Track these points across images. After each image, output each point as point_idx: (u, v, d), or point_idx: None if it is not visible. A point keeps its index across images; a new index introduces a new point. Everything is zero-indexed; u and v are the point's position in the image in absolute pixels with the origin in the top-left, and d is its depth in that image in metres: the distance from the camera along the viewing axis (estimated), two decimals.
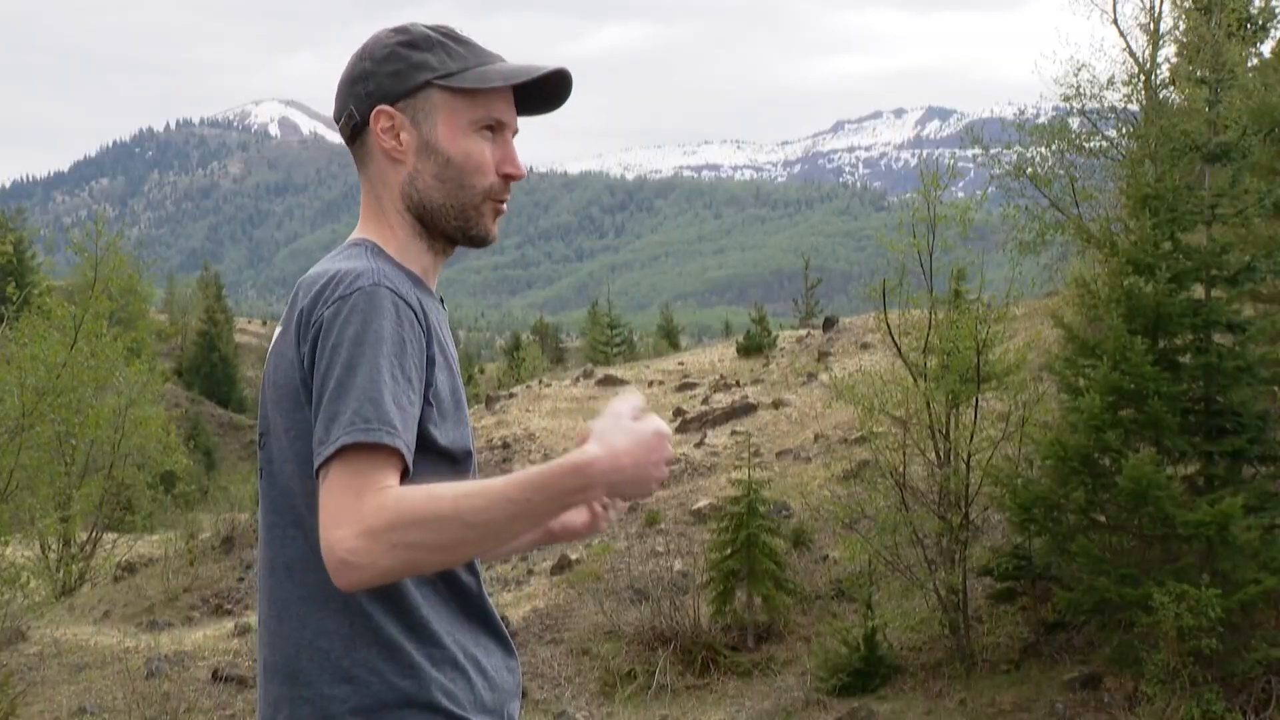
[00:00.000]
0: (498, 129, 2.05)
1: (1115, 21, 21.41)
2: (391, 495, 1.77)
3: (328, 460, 1.79)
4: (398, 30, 2.05)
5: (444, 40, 2.03)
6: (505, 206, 2.08)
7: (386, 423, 1.79)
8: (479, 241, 2.07)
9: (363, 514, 1.76)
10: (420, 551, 1.77)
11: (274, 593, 1.96)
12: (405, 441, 1.82)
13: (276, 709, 1.95)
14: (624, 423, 1.86)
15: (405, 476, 1.83)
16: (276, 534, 1.95)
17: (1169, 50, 21.36)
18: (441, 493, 1.79)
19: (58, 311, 18.23)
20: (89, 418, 17.62)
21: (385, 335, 1.84)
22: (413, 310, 1.89)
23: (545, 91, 2.10)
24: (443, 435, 1.93)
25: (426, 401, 1.90)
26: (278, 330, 1.99)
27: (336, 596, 1.88)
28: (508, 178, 2.06)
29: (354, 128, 2.04)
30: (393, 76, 2.00)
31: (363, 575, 1.76)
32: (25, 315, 18.29)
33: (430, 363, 1.91)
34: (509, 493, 1.79)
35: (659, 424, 1.87)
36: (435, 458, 1.92)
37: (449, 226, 2.04)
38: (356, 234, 2.06)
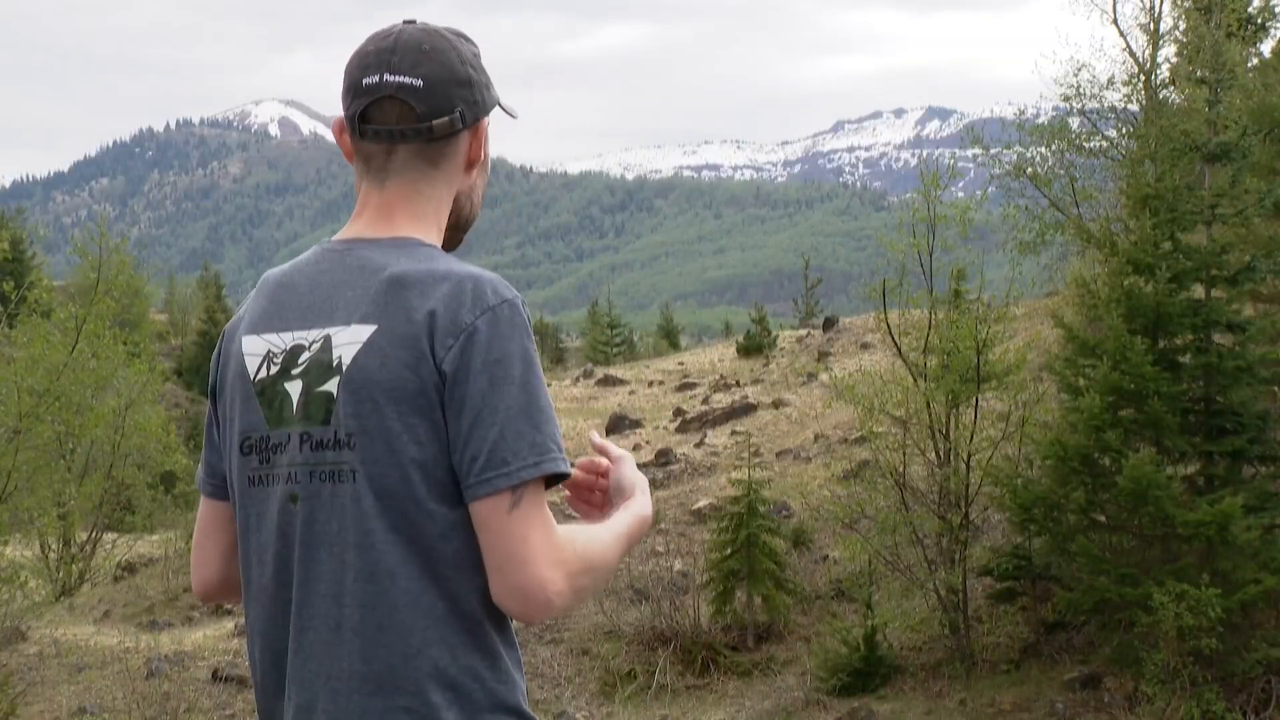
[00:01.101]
0: None
1: (1115, 21, 21.44)
2: (574, 540, 1.88)
3: (519, 485, 1.83)
4: (468, 40, 2.07)
5: None
6: None
7: (562, 451, 1.89)
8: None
9: (564, 557, 1.85)
10: (585, 595, 1.91)
11: (373, 600, 1.87)
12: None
13: (370, 714, 1.89)
14: (639, 479, 2.11)
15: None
16: (373, 539, 1.87)
17: (1169, 50, 21.39)
18: (598, 540, 1.94)
19: (58, 312, 18.22)
20: (89, 418, 17.61)
21: (535, 356, 1.89)
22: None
23: None
24: None
25: None
26: (360, 326, 1.89)
27: (441, 604, 1.87)
28: None
29: (441, 126, 1.99)
30: (488, 89, 2.06)
31: (551, 616, 1.88)
32: (24, 316, 18.28)
33: None
34: (623, 542, 1.99)
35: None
36: None
37: (459, 239, 2.12)
38: (398, 231, 1.99)
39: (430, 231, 2.02)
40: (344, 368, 1.89)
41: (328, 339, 1.92)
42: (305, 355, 1.93)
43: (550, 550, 1.83)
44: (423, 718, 1.86)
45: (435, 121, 1.97)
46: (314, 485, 1.91)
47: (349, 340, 1.90)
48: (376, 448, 1.87)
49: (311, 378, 1.92)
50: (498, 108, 2.09)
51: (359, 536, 1.88)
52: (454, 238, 2.10)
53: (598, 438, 2.21)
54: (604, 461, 2.17)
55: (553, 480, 1.87)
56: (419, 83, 1.97)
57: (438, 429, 1.85)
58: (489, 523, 1.83)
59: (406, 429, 1.86)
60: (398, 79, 1.97)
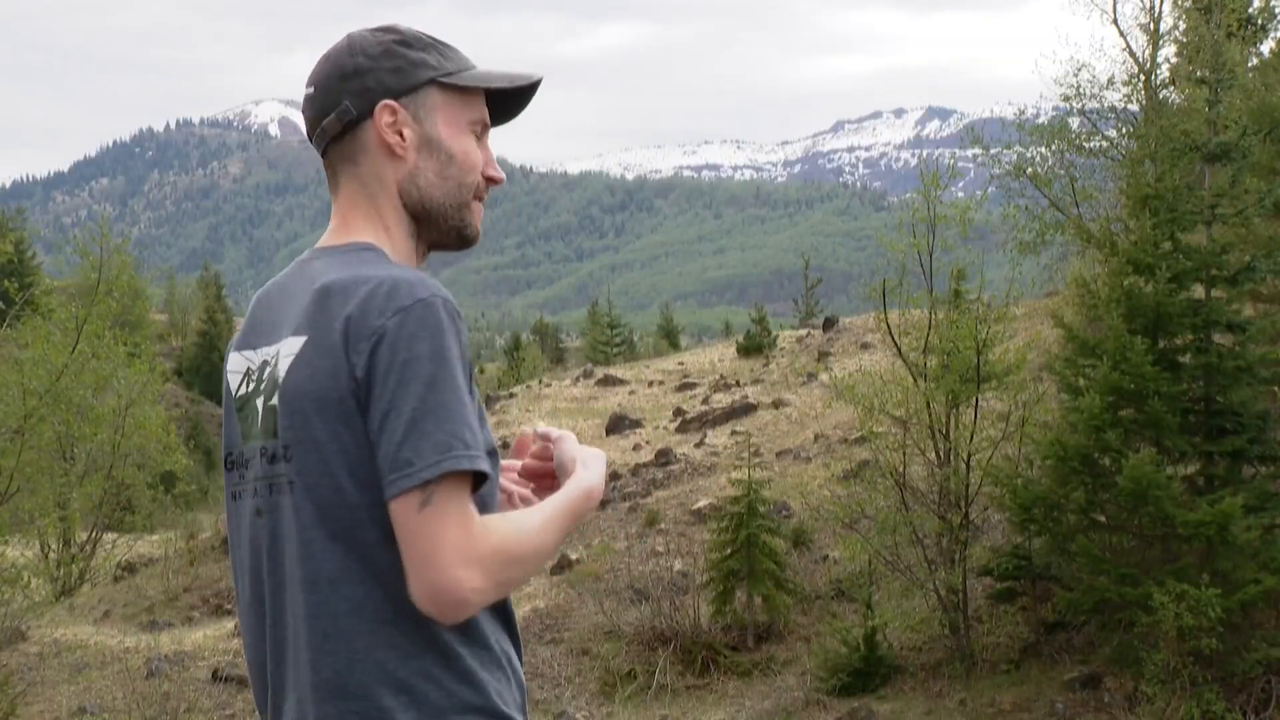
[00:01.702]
0: (482, 132, 2.08)
1: (1115, 21, 21.45)
2: (494, 533, 1.83)
3: (425, 484, 1.79)
4: (385, 30, 2.05)
5: (434, 42, 2.06)
6: (483, 207, 2.11)
7: (476, 448, 1.83)
8: (470, 240, 2.08)
9: (479, 553, 1.80)
10: (510, 587, 1.87)
11: (317, 609, 1.89)
12: (488, 465, 1.86)
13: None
14: (585, 452, 2.05)
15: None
16: (313, 549, 1.88)
17: (1169, 50, 21.40)
18: (525, 529, 1.87)
19: (59, 312, 18.23)
20: (91, 420, 17.62)
21: (452, 352, 1.84)
22: (460, 321, 1.89)
23: (514, 101, 2.14)
24: (486, 438, 1.95)
25: None
26: (294, 339, 1.93)
27: (386, 608, 1.87)
28: (489, 180, 2.08)
29: (346, 124, 2.00)
30: (394, 73, 2.00)
31: (468, 614, 1.83)
32: (26, 316, 18.29)
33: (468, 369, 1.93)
34: (558, 523, 1.92)
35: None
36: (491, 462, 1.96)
37: (445, 225, 2.04)
38: (352, 237, 2.02)
39: (378, 231, 2.01)
40: (279, 380, 1.93)
41: (278, 353, 1.95)
42: (267, 370, 1.97)
43: (463, 549, 1.79)
44: (380, 717, 1.86)
45: (324, 122, 2.01)
46: (272, 499, 1.94)
47: (287, 353, 1.93)
48: (310, 459, 1.89)
49: (265, 392, 1.96)
50: (439, 84, 2.02)
51: (301, 547, 1.90)
52: (428, 227, 2.05)
53: (541, 427, 2.21)
54: (536, 443, 2.18)
55: (479, 479, 1.83)
56: (311, 90, 2.03)
57: (359, 435, 1.85)
58: (401, 524, 1.81)
59: (333, 438, 1.87)
60: (305, 94, 2.05)
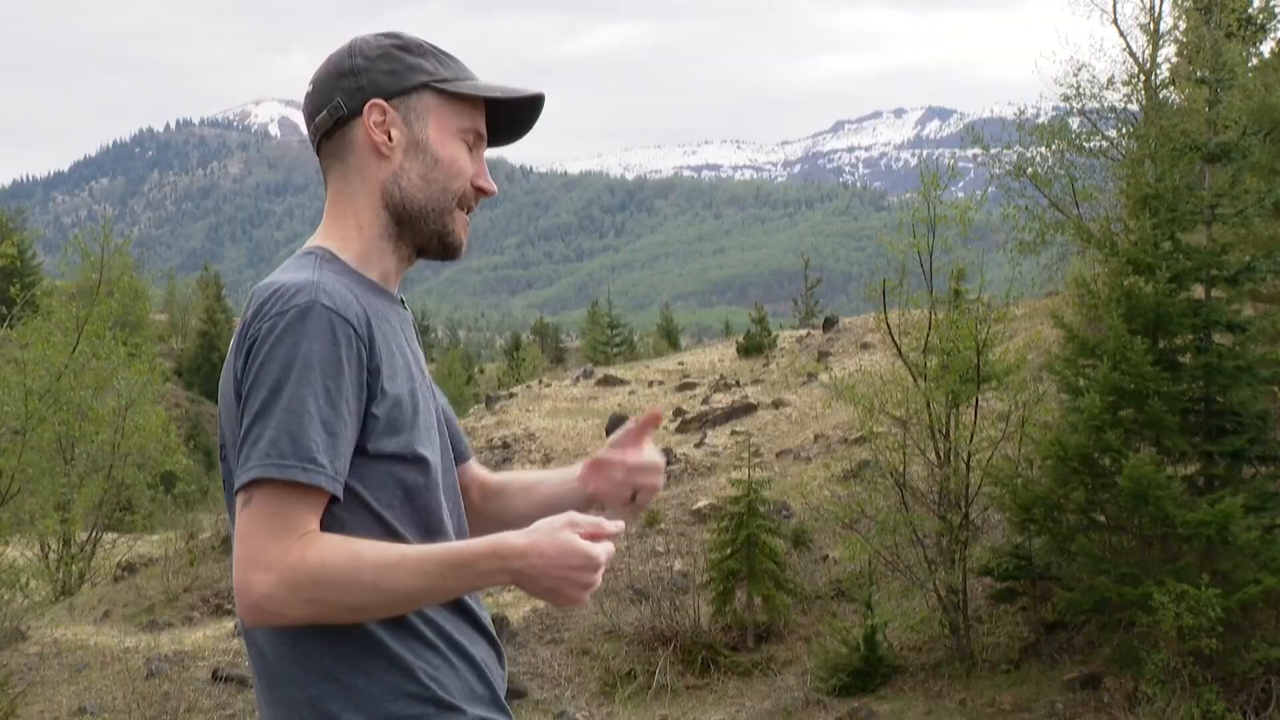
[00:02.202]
0: (476, 143, 2.08)
1: (1115, 21, 21.44)
2: (315, 551, 1.80)
3: (246, 487, 1.82)
4: (388, 35, 2.08)
5: (434, 50, 2.07)
6: (469, 219, 2.11)
7: (304, 458, 1.81)
8: (451, 249, 2.07)
9: (287, 563, 1.79)
10: (330, 610, 1.82)
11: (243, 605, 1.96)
12: (331, 473, 1.83)
13: (275, 710, 1.95)
14: (564, 532, 1.86)
15: (334, 503, 1.86)
16: (232, 544, 1.93)
17: (1169, 50, 21.39)
18: (366, 557, 1.81)
19: (60, 313, 18.24)
20: (91, 421, 17.62)
21: (315, 359, 1.83)
22: (351, 326, 1.87)
23: (517, 118, 2.14)
24: (391, 443, 1.92)
25: (370, 414, 1.90)
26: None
27: None
28: (480, 191, 2.09)
29: (337, 120, 2.03)
30: (389, 74, 2.03)
31: (271, 621, 1.82)
32: (27, 317, 18.30)
33: (375, 373, 1.91)
34: (426, 567, 1.82)
35: (594, 550, 1.87)
36: (389, 462, 1.93)
37: (426, 229, 2.05)
38: (313, 240, 2.05)
39: (346, 231, 2.03)
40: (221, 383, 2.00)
41: None
42: None
43: (264, 553, 1.79)
44: (316, 709, 1.90)
45: (318, 118, 2.04)
46: (226, 498, 2.00)
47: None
48: (230, 458, 1.94)
49: None
50: (432, 89, 2.03)
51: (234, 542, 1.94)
52: (409, 229, 2.05)
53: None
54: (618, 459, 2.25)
55: (318, 491, 1.82)
56: (310, 88, 2.07)
57: None
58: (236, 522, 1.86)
59: (232, 439, 1.92)
60: (305, 91, 2.10)
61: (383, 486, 1.91)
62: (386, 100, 2.02)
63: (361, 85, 2.02)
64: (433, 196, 2.04)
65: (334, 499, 1.85)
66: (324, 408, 1.83)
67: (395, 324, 2.01)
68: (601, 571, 1.89)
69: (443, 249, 2.07)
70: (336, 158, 2.05)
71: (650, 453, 2.24)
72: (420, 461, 1.96)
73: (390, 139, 2.02)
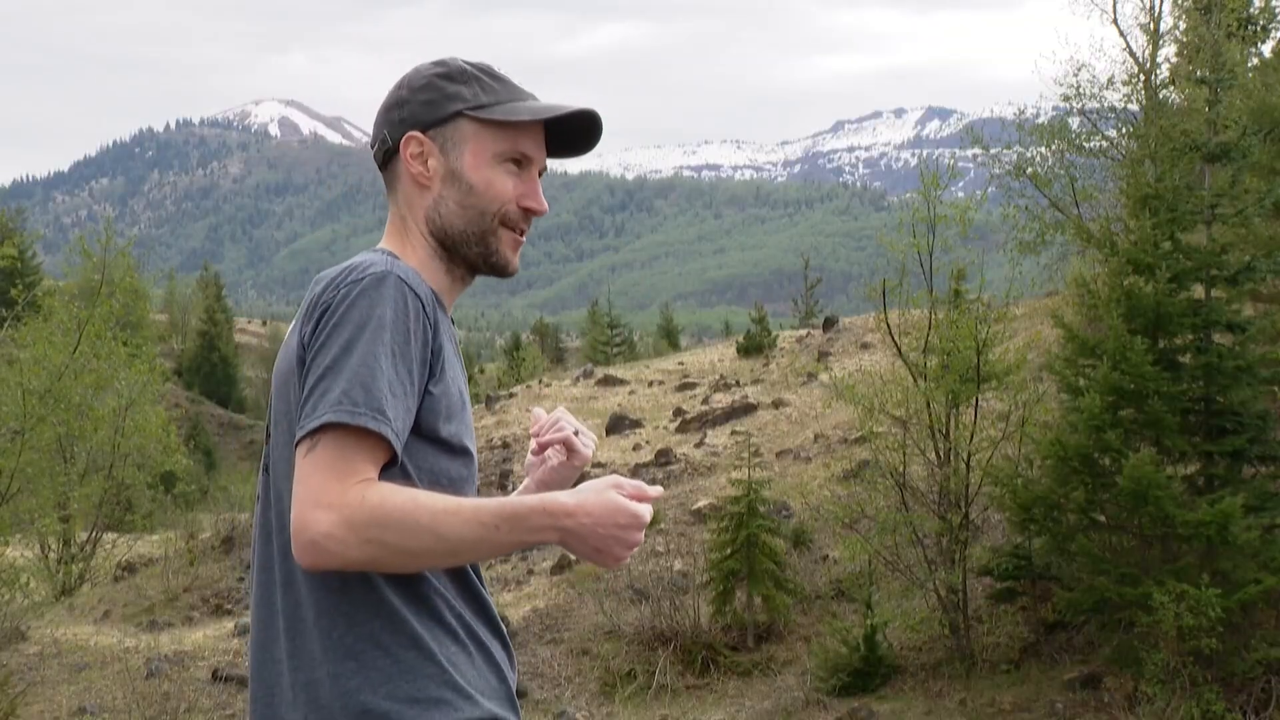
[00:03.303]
0: (524, 164, 2.11)
1: (1115, 21, 21.45)
2: (375, 491, 1.82)
3: (312, 434, 1.83)
4: (437, 63, 2.12)
5: (479, 75, 2.11)
6: (523, 238, 2.14)
7: (375, 408, 1.84)
8: (498, 269, 2.11)
9: (347, 501, 1.81)
10: (389, 553, 1.83)
11: (287, 580, 1.98)
12: (395, 429, 1.86)
13: (294, 690, 1.95)
14: (610, 492, 1.90)
15: (393, 463, 1.88)
16: (284, 520, 1.95)
17: (1169, 50, 21.40)
18: (423, 502, 1.84)
19: (60, 313, 18.23)
20: (91, 421, 17.62)
21: (388, 321, 1.89)
22: (421, 301, 1.94)
23: (574, 133, 2.16)
24: (444, 427, 1.97)
25: (429, 391, 1.94)
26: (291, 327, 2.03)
27: (334, 577, 1.91)
28: (528, 211, 2.12)
29: (386, 153, 2.10)
30: (426, 105, 2.08)
31: (329, 562, 1.83)
32: (28, 317, 18.30)
33: (438, 354, 1.96)
34: (482, 517, 1.85)
35: (640, 510, 1.91)
36: (437, 447, 1.97)
37: (471, 253, 2.10)
38: (381, 244, 2.13)
39: (404, 247, 2.10)
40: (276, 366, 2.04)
41: None
42: None
43: (325, 491, 1.81)
44: (334, 687, 1.91)
45: (374, 151, 2.14)
46: (264, 479, 2.06)
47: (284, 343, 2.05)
48: (280, 436, 1.99)
49: None
50: (467, 116, 2.07)
51: (277, 518, 1.99)
52: (454, 254, 2.10)
53: (565, 421, 2.28)
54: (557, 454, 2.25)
55: (382, 440, 1.85)
56: (376, 119, 2.15)
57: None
58: (294, 471, 1.88)
59: (289, 410, 1.96)
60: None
61: (429, 470, 1.96)
62: (424, 131, 2.08)
63: (403, 118, 2.09)
64: (471, 221, 2.09)
65: (385, 466, 1.88)
66: (392, 371, 1.88)
67: (449, 332, 2.07)
68: (644, 531, 1.94)
69: (491, 269, 2.12)
70: (391, 186, 2.13)
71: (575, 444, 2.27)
72: (465, 454, 2.02)
73: (428, 169, 2.08)
